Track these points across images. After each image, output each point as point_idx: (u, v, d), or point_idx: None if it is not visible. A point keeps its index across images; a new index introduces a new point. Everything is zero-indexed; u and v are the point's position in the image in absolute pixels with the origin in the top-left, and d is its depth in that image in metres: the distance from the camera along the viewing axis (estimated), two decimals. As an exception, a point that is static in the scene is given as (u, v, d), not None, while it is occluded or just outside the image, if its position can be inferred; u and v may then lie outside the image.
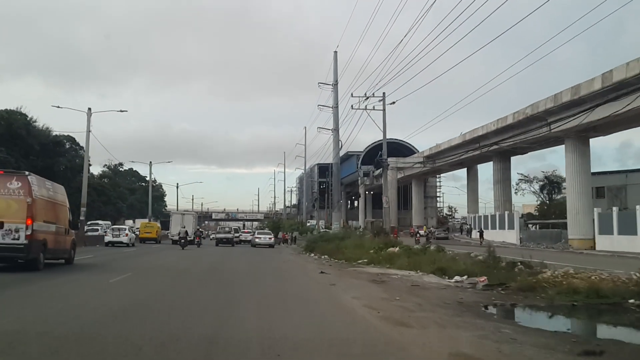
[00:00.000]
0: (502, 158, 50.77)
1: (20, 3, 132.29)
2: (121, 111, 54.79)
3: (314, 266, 19.31)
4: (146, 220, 62.61)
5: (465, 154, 55.64)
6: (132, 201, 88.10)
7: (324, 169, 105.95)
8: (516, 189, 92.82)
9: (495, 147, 45.43)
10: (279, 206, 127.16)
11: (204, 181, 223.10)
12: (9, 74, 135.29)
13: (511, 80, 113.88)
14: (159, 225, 53.58)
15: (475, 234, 52.92)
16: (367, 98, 32.95)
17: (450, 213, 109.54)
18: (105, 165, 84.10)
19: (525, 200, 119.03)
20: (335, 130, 43.87)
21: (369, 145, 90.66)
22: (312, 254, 27.33)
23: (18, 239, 14.44)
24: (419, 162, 64.47)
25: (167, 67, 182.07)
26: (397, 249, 20.50)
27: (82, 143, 68.82)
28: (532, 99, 73.40)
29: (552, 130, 35.67)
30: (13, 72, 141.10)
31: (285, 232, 73.87)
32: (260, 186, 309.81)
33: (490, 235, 47.91)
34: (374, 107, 33.24)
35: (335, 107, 43.98)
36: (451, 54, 41.87)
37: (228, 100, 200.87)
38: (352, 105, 34.33)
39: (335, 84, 44.18)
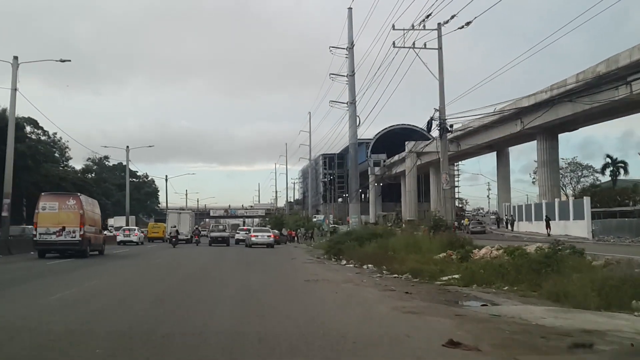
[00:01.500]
0: (549, 135, 42.72)
1: (18, 0, 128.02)
2: (62, 61, 38.81)
3: (376, 293, 10.42)
4: (126, 219, 55.73)
5: (500, 133, 47.95)
6: (120, 197, 79.95)
7: (330, 160, 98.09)
8: (533, 178, 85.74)
9: (542, 121, 37.58)
10: (281, 202, 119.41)
11: (204, 179, 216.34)
12: (6, 72, 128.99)
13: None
14: (165, 225, 53.16)
15: (521, 226, 45.21)
16: (415, 29, 24.43)
17: (461, 205, 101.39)
18: (89, 159, 76.01)
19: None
20: (352, 103, 35.88)
21: (380, 132, 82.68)
22: (343, 261, 18.90)
23: (75, 237, 22.00)
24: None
25: (166, 64, 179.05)
26: (492, 251, 12.56)
27: (48, 127, 62.58)
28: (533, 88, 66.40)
29: (635, 92, 27.69)
30: (10, 71, 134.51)
31: (291, 228, 66.11)
32: (261, 183, 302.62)
33: (538, 227, 39.98)
34: (424, 44, 24.87)
35: (352, 75, 35.99)
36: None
37: (228, 96, 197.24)
38: (393, 42, 25.92)
39: (351, 47, 36.18)
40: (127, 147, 51.83)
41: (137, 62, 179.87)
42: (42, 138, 52.82)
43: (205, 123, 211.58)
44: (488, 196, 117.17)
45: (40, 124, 51.17)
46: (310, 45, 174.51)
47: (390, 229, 23.46)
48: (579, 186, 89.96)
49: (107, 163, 79.80)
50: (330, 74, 37.09)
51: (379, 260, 15.54)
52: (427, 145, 60.21)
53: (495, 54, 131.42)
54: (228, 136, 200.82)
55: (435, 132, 24.58)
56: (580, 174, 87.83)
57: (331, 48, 37.03)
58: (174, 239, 37.95)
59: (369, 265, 15.85)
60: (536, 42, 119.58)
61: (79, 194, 24.75)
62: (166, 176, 73.13)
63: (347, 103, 36.54)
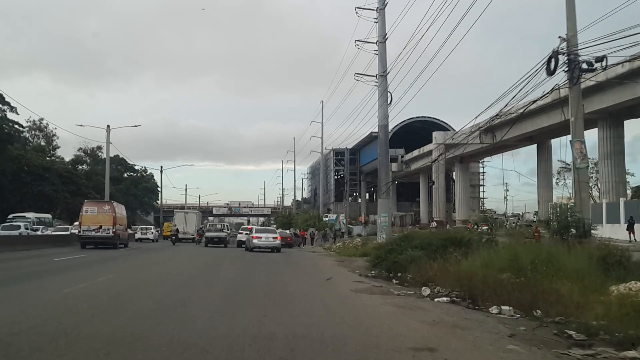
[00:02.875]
0: (613, 122, 35.81)
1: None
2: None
3: None
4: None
5: (550, 120, 41.11)
6: (114, 192, 73.33)
7: (341, 155, 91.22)
8: (557, 179, 79.07)
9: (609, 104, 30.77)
10: (288, 201, 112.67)
11: (210, 178, 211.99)
12: (16, 69, 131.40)
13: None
14: None
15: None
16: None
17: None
18: (80, 149, 69.36)
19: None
20: (383, 75, 29.23)
21: (398, 125, 75.64)
22: (427, 291, 10.04)
23: (109, 234, 28.36)
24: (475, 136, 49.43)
25: (176, 62, 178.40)
26: None
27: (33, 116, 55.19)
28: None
29: None
30: (20, 68, 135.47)
31: (301, 228, 59.53)
32: (267, 183, 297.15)
33: (611, 231, 32.92)
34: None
35: (382, 41, 29.33)
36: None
37: (237, 95, 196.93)
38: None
39: (382, 8, 29.50)
40: (108, 126, 44.64)
41: (146, 59, 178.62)
42: (10, 116, 45.97)
43: (213, 122, 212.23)
44: (506, 197, 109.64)
45: (7, 101, 44.31)
46: (321, 44, 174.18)
47: (483, 234, 14.93)
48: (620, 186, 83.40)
49: (100, 154, 73.04)
50: (355, 40, 30.31)
51: (518, 294, 7.95)
52: (456, 135, 53.44)
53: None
54: (236, 135, 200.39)
55: (558, 78, 15.97)
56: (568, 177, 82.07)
57: (357, 9, 30.33)
58: (173, 237, 41.78)
59: (504, 308, 7.96)
60: None
61: (112, 201, 32.55)
62: (161, 167, 66.64)
63: (376, 76, 29.86)
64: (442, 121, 75.32)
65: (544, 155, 49.41)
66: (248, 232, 31.58)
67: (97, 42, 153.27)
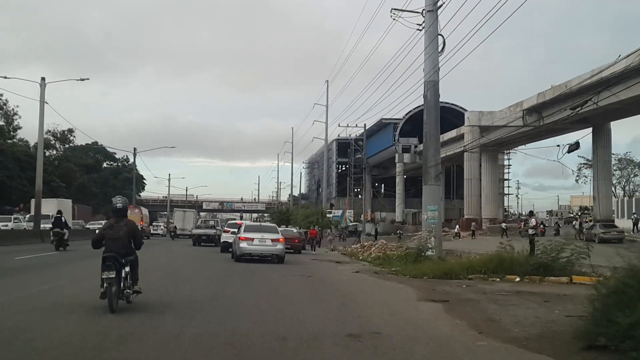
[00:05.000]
0: None
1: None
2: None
3: None
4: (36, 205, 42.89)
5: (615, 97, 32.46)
6: (87, 183, 64.32)
7: (345, 146, 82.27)
8: (577, 175, 71.53)
9: None
10: (284, 196, 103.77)
11: (205, 175, 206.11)
12: (15, 62, 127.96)
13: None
14: None
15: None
16: None
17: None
18: (49, 131, 60.00)
19: (587, 190, 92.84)
20: (432, 10, 20.48)
21: (412, 111, 66.82)
22: None
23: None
24: (516, 118, 40.64)
25: (176, 56, 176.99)
26: None
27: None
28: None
29: None
30: (19, 60, 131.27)
31: (301, 225, 50.81)
32: (262, 179, 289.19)
33: None
34: None
35: (432, -37, 20.51)
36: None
37: (237, 91, 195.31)
38: None
39: None
40: (43, 79, 32.77)
41: (146, 53, 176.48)
42: None
43: (212, 118, 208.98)
44: (517, 195, 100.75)
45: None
46: (324, 40, 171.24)
47: None
48: (630, 186, 75.67)
49: (72, 138, 63.89)
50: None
51: None
52: (491, 117, 44.67)
53: None
54: (234, 132, 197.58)
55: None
56: (630, 171, 74.23)
57: None
58: (172, 233, 46.40)
59: None
60: None
61: (141, 207, 52.00)
62: (134, 149, 57.62)
63: (422, 12, 21.08)
64: (460, 107, 66.33)
65: (602, 140, 40.75)
66: (237, 230, 21.39)
67: (98, 34, 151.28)
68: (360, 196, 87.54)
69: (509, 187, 64.86)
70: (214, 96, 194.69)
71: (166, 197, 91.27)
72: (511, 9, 15.46)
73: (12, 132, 54.00)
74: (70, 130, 61.25)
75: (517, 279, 12.99)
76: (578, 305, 7.71)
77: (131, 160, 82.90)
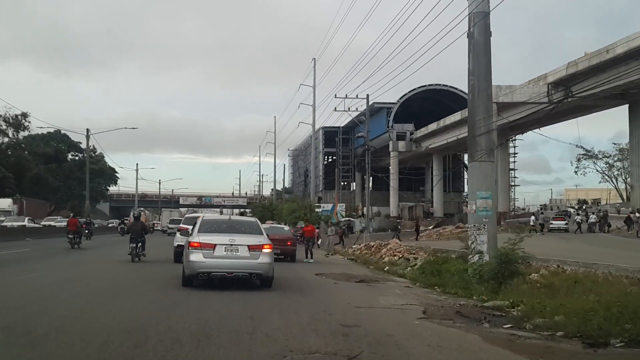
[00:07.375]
0: None
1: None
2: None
3: None
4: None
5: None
6: (43, 174, 56.98)
7: (331, 135, 76.03)
8: (576, 167, 70.78)
9: None
10: (266, 191, 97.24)
11: (187, 170, 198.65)
12: None
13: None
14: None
15: None
16: None
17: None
18: (0, 116, 52.51)
19: (588, 182, 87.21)
20: None
21: (406, 94, 60.88)
22: None
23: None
24: (540, 93, 34.68)
25: (160, 51, 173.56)
26: None
27: None
28: None
29: None
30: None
31: (287, 221, 44.55)
32: (244, 174, 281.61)
33: None
34: None
35: None
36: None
37: (221, 87, 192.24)
38: None
39: None
40: None
41: (130, 47, 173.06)
42: None
43: (196, 114, 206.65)
44: (513, 185, 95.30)
45: None
46: (310, 36, 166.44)
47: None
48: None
49: (27, 123, 56.16)
50: None
51: None
52: (511, 91, 38.46)
53: None
54: (218, 127, 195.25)
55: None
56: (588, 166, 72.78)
57: None
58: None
59: None
60: None
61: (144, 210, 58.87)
62: (87, 130, 51.01)
63: None
64: (460, 90, 59.91)
65: (638, 119, 35.06)
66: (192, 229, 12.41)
67: (81, 28, 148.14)
68: (351, 189, 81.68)
69: (515, 177, 58.99)
70: (199, 92, 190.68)
71: (140, 192, 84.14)
72: None
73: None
74: (25, 115, 53.78)
75: None
76: None
77: (98, 151, 76.79)
